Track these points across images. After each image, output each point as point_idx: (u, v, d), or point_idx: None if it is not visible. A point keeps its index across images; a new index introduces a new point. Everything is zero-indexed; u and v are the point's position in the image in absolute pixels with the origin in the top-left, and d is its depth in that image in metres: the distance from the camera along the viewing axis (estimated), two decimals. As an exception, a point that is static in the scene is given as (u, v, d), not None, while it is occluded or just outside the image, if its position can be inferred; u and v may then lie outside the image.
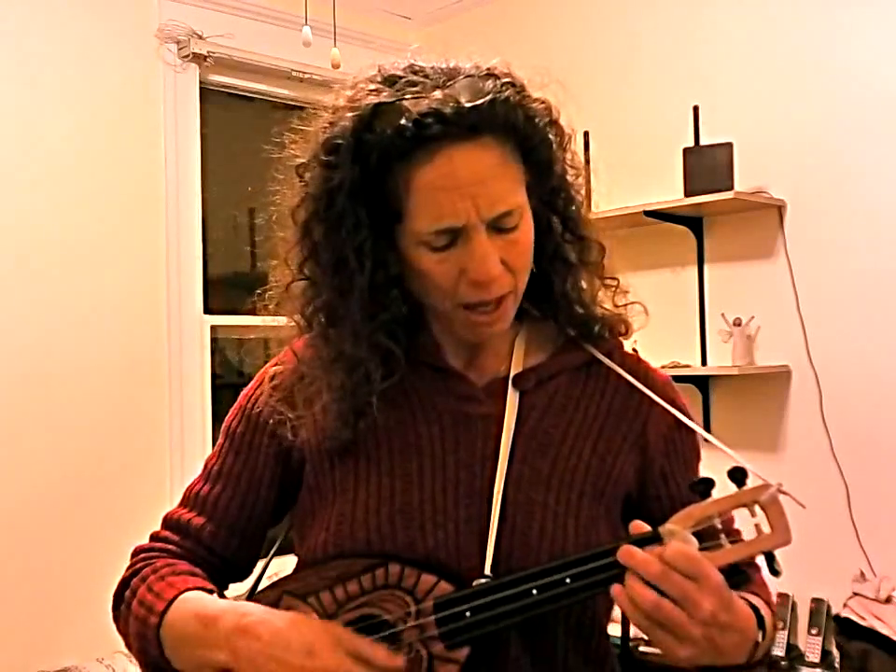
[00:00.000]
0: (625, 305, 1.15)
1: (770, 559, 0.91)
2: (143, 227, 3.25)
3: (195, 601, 1.03)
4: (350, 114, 0.99)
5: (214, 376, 3.44)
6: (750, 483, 0.92)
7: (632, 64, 3.38)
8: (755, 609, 0.99)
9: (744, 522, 0.93)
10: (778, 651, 2.80)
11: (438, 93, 0.96)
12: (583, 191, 1.11)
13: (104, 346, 3.12)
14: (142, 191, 3.25)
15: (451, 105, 0.94)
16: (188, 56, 3.34)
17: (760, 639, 0.98)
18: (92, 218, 3.12)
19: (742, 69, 3.08)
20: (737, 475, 0.92)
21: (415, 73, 1.00)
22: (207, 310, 3.43)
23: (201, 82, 3.44)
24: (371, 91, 1.00)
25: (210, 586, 1.07)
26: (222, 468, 1.16)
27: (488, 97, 0.96)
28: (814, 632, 2.80)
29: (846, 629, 2.64)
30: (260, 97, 3.68)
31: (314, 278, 1.06)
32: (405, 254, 1.02)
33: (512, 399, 1.09)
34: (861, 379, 2.81)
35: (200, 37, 3.36)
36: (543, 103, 1.04)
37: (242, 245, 3.71)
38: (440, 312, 1.07)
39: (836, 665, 2.69)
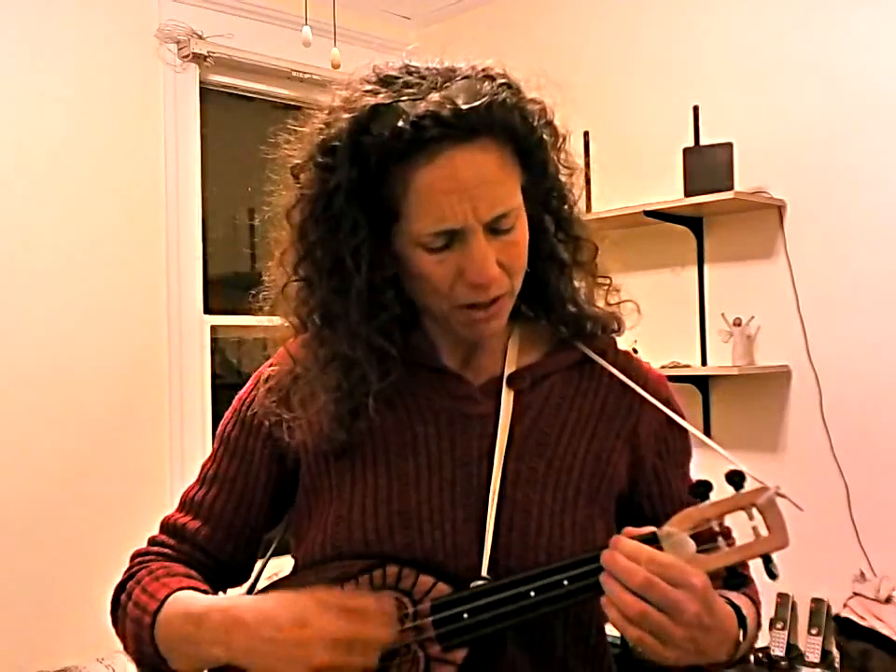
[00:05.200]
0: (618, 304, 1.15)
1: (767, 562, 0.91)
2: (143, 227, 3.25)
3: (185, 599, 1.03)
4: (346, 115, 0.99)
5: (214, 376, 3.44)
6: (748, 485, 0.92)
7: (632, 64, 3.37)
8: (737, 608, 0.99)
9: (742, 525, 0.93)
10: (778, 651, 2.81)
11: (435, 95, 0.95)
12: (577, 191, 1.11)
13: (104, 346, 3.12)
14: (142, 191, 3.25)
15: (448, 107, 0.94)
16: (188, 56, 3.34)
17: (741, 638, 0.98)
18: (92, 218, 3.12)
19: (742, 69, 3.08)
20: (735, 478, 0.92)
21: (411, 73, 1.00)
22: (207, 310, 3.44)
23: (201, 82, 3.44)
24: (367, 91, 0.99)
25: (204, 586, 1.07)
26: (217, 471, 1.16)
27: (485, 99, 0.96)
28: (814, 632, 2.80)
29: (846, 629, 2.63)
30: (260, 97, 3.68)
31: (310, 279, 1.06)
32: (401, 254, 1.02)
33: (507, 398, 1.09)
34: (861, 379, 2.81)
35: (200, 37, 3.37)
36: (539, 103, 1.04)
37: (242, 245, 3.72)
38: (435, 311, 1.07)
39: (836, 665, 2.69)
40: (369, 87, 1.00)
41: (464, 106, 0.94)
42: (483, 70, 1.00)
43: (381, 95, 0.98)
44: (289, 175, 1.06)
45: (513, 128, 0.99)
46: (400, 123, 0.94)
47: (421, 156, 0.95)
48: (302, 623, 0.93)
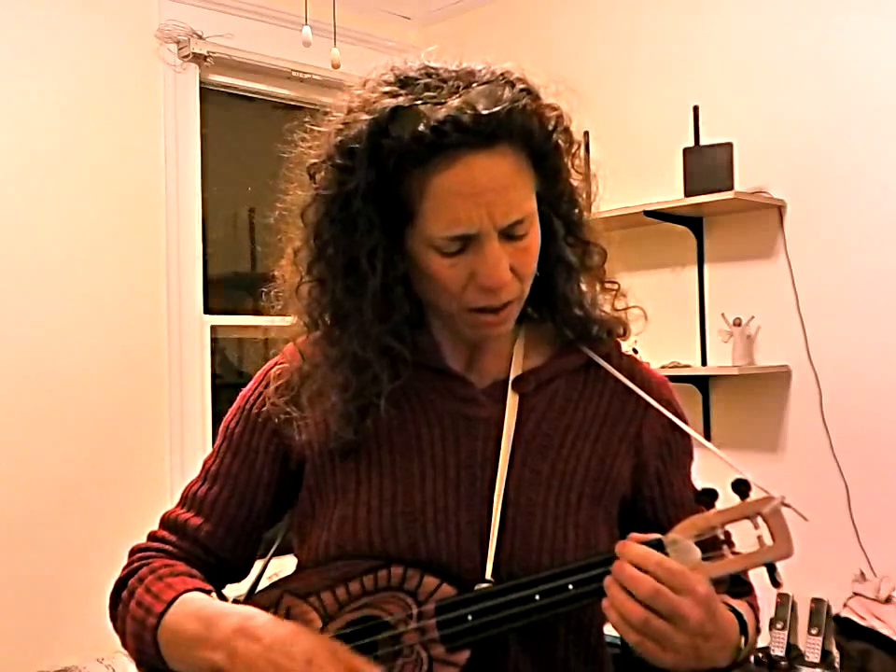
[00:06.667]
0: (625, 309, 1.15)
1: (772, 570, 0.92)
2: (143, 227, 3.25)
3: (196, 602, 1.03)
4: (366, 116, 0.98)
5: (214, 376, 3.44)
6: (753, 494, 0.93)
7: (632, 64, 3.38)
8: (738, 614, 1.00)
9: (746, 533, 0.94)
10: (778, 651, 2.81)
11: (455, 100, 0.95)
12: (587, 195, 1.11)
13: (104, 346, 3.12)
14: (142, 191, 3.25)
15: (469, 112, 0.94)
16: (188, 56, 3.34)
17: (742, 644, 0.99)
18: (92, 219, 3.12)
19: (742, 69, 3.08)
20: (741, 487, 0.93)
21: (430, 76, 0.99)
22: (207, 310, 3.44)
23: (201, 82, 3.44)
24: (386, 93, 0.99)
25: (208, 587, 1.07)
26: (220, 468, 1.16)
27: (505, 105, 0.96)
28: (814, 632, 2.80)
29: (846, 629, 2.64)
30: (260, 97, 3.68)
31: (323, 279, 1.06)
32: (414, 255, 1.02)
33: (512, 401, 1.09)
34: (861, 379, 2.81)
35: (200, 37, 3.37)
36: (556, 109, 1.04)
37: (242, 245, 3.72)
38: (443, 312, 1.07)
39: (836, 665, 2.70)
40: (388, 88, 0.99)
41: (484, 112, 0.94)
42: (503, 75, 1.00)
43: (401, 98, 0.97)
44: (303, 174, 1.06)
45: (531, 134, 0.99)
46: (421, 127, 0.94)
47: (439, 160, 0.95)
48: (310, 661, 0.93)
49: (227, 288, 3.56)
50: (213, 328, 3.46)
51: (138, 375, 3.21)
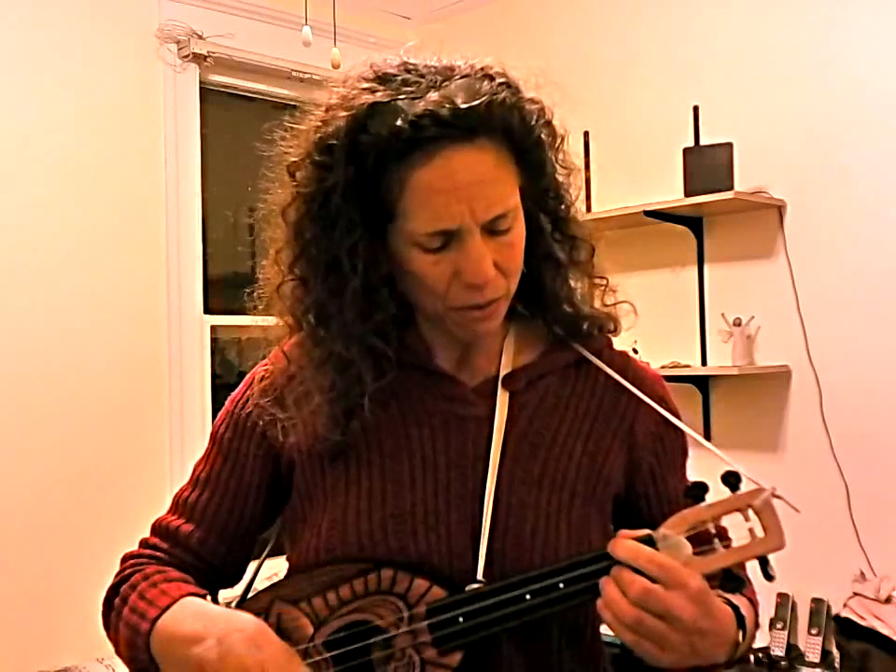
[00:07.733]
0: (614, 304, 1.14)
1: (764, 563, 0.91)
2: (143, 227, 3.25)
3: (194, 605, 1.02)
4: (344, 113, 0.98)
5: (214, 376, 3.44)
6: (744, 486, 0.92)
7: (632, 64, 3.37)
8: (736, 608, 0.99)
9: (738, 526, 0.93)
10: (778, 651, 2.81)
11: (433, 94, 0.95)
12: (573, 191, 1.10)
13: (104, 346, 3.12)
14: (142, 191, 3.25)
15: (447, 106, 0.93)
16: (188, 56, 3.34)
17: (740, 639, 0.98)
18: (92, 218, 3.12)
19: (742, 69, 3.08)
20: (731, 479, 0.92)
21: (409, 72, 0.99)
22: (207, 310, 3.44)
23: (201, 82, 3.44)
24: (365, 89, 0.98)
25: (201, 591, 1.06)
26: (210, 473, 1.15)
27: (484, 99, 0.95)
28: (814, 632, 2.80)
29: (846, 629, 2.63)
30: (260, 97, 3.68)
31: (305, 278, 1.05)
32: (397, 254, 1.01)
33: (503, 399, 1.08)
34: (861, 379, 2.81)
35: (200, 37, 3.37)
36: (537, 103, 1.03)
37: (242, 245, 3.71)
38: (430, 311, 1.06)
39: (836, 665, 2.69)
40: (366, 84, 0.98)
41: (463, 106, 0.93)
42: (482, 69, 0.99)
43: (379, 93, 0.97)
44: (285, 173, 1.05)
45: (511, 128, 0.98)
46: (399, 122, 0.93)
47: (418, 155, 0.94)
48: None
49: (227, 288, 3.56)
50: (213, 328, 3.46)
51: (138, 375, 3.21)
